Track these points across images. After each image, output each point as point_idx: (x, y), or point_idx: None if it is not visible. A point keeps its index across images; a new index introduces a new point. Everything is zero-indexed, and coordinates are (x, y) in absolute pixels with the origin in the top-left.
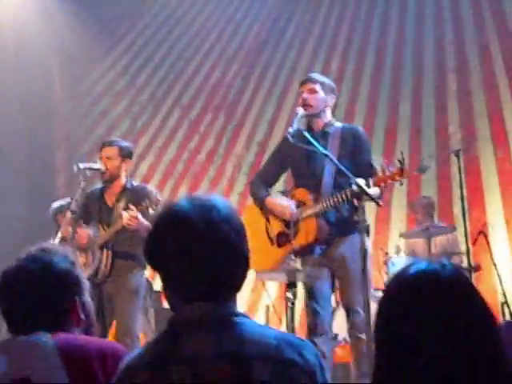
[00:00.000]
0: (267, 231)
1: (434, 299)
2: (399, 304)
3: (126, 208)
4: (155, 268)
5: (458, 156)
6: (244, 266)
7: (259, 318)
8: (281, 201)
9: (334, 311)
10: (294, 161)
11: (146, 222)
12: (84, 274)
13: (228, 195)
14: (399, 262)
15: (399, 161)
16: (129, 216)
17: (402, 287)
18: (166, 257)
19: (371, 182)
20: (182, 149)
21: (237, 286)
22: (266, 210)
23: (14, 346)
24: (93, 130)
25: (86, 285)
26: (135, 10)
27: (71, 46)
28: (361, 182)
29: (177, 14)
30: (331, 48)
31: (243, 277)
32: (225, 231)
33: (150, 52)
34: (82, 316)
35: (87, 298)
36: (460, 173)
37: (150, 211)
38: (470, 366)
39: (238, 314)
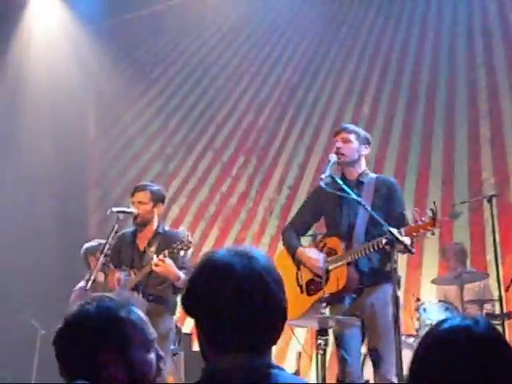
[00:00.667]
0: (297, 278)
1: (466, 355)
2: (432, 359)
3: (158, 252)
4: (193, 316)
5: (490, 202)
6: (282, 317)
7: (288, 365)
8: (311, 253)
9: (364, 358)
10: (327, 208)
11: (174, 268)
12: None
13: (259, 238)
14: (431, 308)
15: (431, 210)
16: (157, 260)
17: (435, 342)
18: (204, 306)
19: (403, 231)
20: (214, 191)
21: (275, 337)
22: (296, 260)
23: None
24: (125, 171)
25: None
26: (168, 54)
27: (106, 89)
28: (394, 230)
29: (210, 58)
30: (363, 93)
31: (281, 329)
32: (265, 281)
33: (183, 95)
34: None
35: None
36: (493, 219)
37: (181, 253)
38: None
39: (274, 366)
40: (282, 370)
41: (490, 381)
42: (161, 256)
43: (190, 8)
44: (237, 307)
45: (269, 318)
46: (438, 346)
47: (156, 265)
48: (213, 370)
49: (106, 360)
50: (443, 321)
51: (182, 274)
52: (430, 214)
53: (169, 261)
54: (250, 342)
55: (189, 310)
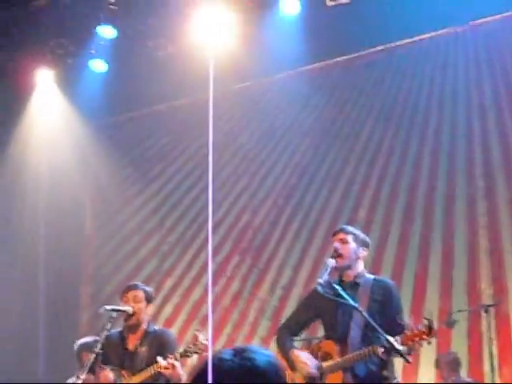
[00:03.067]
0: (292, 380)
1: None
2: None
3: (150, 353)
4: None
5: (487, 312)
6: None
7: None
8: (304, 358)
9: None
10: (323, 312)
11: (181, 370)
12: None
13: (250, 340)
14: None
15: (427, 319)
16: (166, 363)
17: None
18: None
19: (399, 339)
20: (208, 292)
21: None
22: (290, 363)
23: None
24: (119, 269)
25: None
26: (168, 154)
27: (104, 185)
28: (391, 339)
29: (205, 159)
30: (359, 196)
31: None
32: (267, 380)
33: (180, 195)
34: None
35: None
36: (489, 328)
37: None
38: None
39: None
40: None
41: None
42: (170, 360)
43: (192, 108)
44: None
45: None
46: None
47: (165, 368)
48: None
49: None
50: None
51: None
52: (425, 323)
53: (178, 363)
54: None
55: None
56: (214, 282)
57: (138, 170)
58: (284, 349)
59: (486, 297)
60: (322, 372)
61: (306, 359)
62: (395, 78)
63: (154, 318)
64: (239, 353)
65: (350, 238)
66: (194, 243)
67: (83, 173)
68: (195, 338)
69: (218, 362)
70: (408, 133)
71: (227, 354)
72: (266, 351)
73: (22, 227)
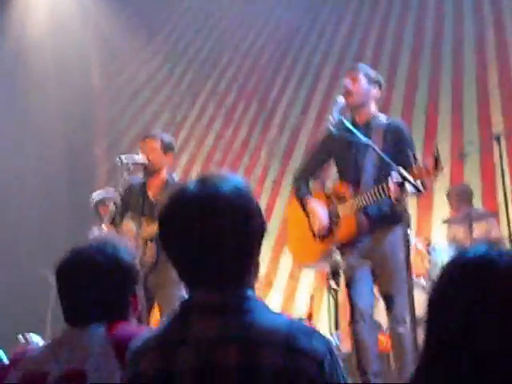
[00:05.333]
0: (310, 224)
1: (487, 288)
2: (450, 291)
3: None
4: (166, 253)
5: (498, 141)
6: (249, 252)
7: (298, 307)
8: (317, 209)
9: (376, 301)
10: (337, 152)
11: None
12: None
13: (262, 182)
14: (441, 249)
15: (435, 156)
16: None
17: (456, 273)
18: (171, 241)
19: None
20: (219, 138)
21: (246, 272)
22: (305, 209)
23: (70, 338)
24: (134, 121)
25: (141, 277)
26: (170, 3)
27: (111, 37)
28: (402, 169)
29: (211, 5)
30: (365, 35)
31: (250, 264)
32: (227, 216)
33: (186, 42)
34: (139, 307)
35: (140, 289)
36: (501, 159)
37: None
38: None
39: (250, 300)
40: (260, 303)
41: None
42: None
43: None
44: (199, 244)
45: (233, 254)
46: (457, 278)
47: None
48: (186, 304)
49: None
50: (463, 252)
51: None
52: (427, 161)
53: None
54: (220, 276)
55: (163, 248)
56: (224, 128)
57: (143, 19)
58: (300, 196)
59: (497, 128)
60: (337, 214)
61: (319, 212)
62: None
63: (171, 168)
64: (203, 181)
65: (360, 76)
66: (202, 91)
67: (88, 25)
68: None
69: (182, 191)
70: None
71: (191, 183)
72: (234, 178)
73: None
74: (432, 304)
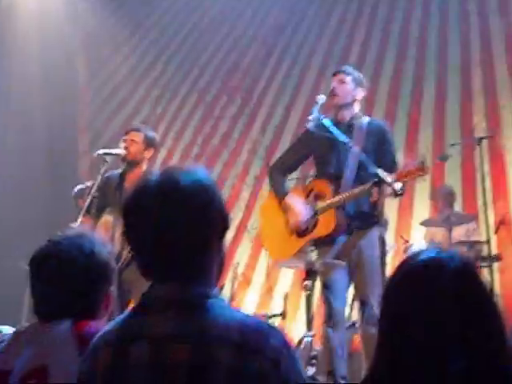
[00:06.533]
0: (287, 220)
1: (436, 290)
2: (401, 291)
3: None
4: (129, 245)
5: (480, 144)
6: (208, 247)
7: (275, 305)
8: (297, 205)
9: (352, 301)
10: (317, 150)
11: None
12: None
13: (243, 179)
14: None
15: (421, 160)
16: None
17: (407, 274)
18: (132, 233)
19: (393, 176)
20: (198, 133)
21: (206, 268)
22: (282, 206)
23: (34, 333)
24: (115, 115)
25: (116, 275)
26: None
27: (95, 30)
28: (380, 172)
29: (195, 1)
30: (351, 35)
31: (211, 259)
32: (185, 209)
33: (168, 36)
34: (110, 307)
35: (114, 288)
36: (482, 161)
37: None
38: (469, 362)
39: (208, 297)
40: (220, 300)
41: (458, 317)
42: None
43: None
44: (157, 239)
45: (190, 249)
46: (408, 279)
47: None
48: (144, 298)
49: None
50: (416, 253)
51: None
52: (420, 159)
53: None
54: (179, 272)
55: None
56: (204, 123)
57: (126, 13)
58: (278, 192)
59: (480, 130)
60: (316, 211)
61: (299, 208)
62: None
63: (151, 163)
64: (165, 173)
65: (348, 78)
66: (183, 85)
67: (72, 19)
68: None
69: (143, 182)
70: None
71: (154, 175)
72: (198, 171)
73: (15, 79)
74: (384, 302)
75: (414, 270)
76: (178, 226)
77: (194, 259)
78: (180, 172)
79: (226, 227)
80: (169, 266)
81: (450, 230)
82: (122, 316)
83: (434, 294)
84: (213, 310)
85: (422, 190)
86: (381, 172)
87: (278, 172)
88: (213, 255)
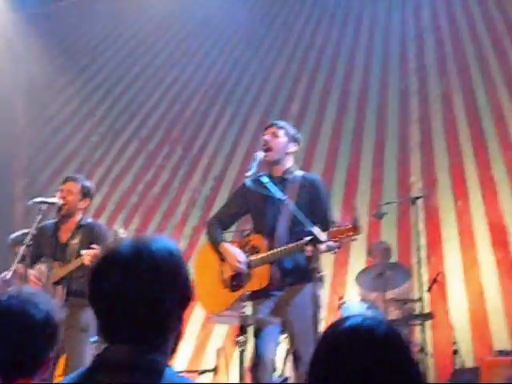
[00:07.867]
0: (221, 272)
1: (365, 356)
2: (331, 357)
3: (82, 245)
4: (91, 306)
5: (415, 203)
6: (164, 315)
7: (208, 359)
8: (233, 250)
9: (286, 356)
10: (252, 205)
11: None
12: None
13: (181, 229)
14: (353, 306)
15: (354, 218)
16: (92, 254)
17: (335, 340)
18: (93, 296)
19: (326, 235)
20: (138, 181)
21: (162, 336)
22: (219, 255)
23: None
24: (52, 159)
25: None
26: (99, 43)
27: (35, 76)
28: (315, 230)
29: (139, 49)
30: (293, 89)
31: (168, 328)
32: (148, 280)
33: (111, 84)
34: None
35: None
36: (417, 220)
37: None
38: None
39: (158, 364)
40: (169, 368)
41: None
42: (96, 251)
43: None
44: (115, 302)
45: (146, 315)
46: (337, 344)
47: (91, 259)
48: (96, 359)
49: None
50: (345, 319)
51: None
52: (353, 220)
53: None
54: (131, 335)
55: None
56: (144, 172)
57: (69, 59)
58: (215, 241)
59: (416, 190)
60: (250, 265)
61: (236, 252)
62: None
63: (85, 211)
64: (137, 240)
65: (281, 132)
66: (124, 133)
67: (14, 64)
68: (115, 233)
69: (113, 253)
70: (343, 24)
71: (124, 246)
72: (168, 241)
73: None
74: (311, 368)
75: (338, 339)
76: (139, 292)
77: (151, 324)
78: (152, 240)
79: (188, 300)
80: (125, 329)
81: (384, 288)
82: (76, 376)
83: (357, 362)
84: (163, 377)
85: (357, 247)
86: (315, 230)
87: (217, 223)
88: (174, 324)
